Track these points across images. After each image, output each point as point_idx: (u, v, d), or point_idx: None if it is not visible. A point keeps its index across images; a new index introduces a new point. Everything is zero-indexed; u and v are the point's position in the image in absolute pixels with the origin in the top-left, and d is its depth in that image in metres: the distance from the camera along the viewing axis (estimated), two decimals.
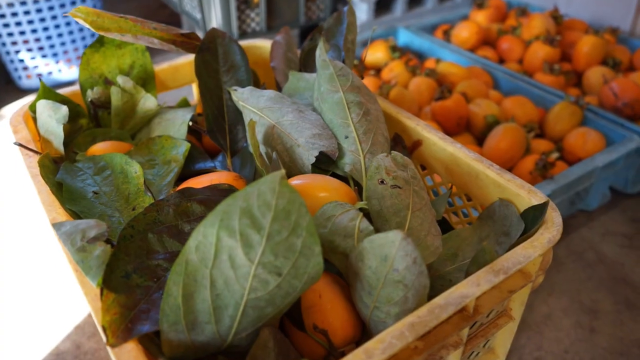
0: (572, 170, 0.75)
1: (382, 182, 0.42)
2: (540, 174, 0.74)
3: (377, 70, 1.07)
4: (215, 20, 1.04)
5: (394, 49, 1.06)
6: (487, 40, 1.16)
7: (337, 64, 0.53)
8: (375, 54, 1.08)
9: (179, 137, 0.57)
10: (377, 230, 0.42)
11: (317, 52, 0.54)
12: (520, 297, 0.44)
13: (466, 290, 0.35)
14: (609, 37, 1.08)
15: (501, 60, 1.13)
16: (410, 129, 0.54)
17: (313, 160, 0.47)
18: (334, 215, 0.40)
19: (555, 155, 0.82)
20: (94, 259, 0.36)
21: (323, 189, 0.43)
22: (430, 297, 0.36)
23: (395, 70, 0.99)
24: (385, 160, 0.44)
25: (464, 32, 1.11)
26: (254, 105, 0.53)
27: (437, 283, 0.46)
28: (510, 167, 0.78)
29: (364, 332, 0.40)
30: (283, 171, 0.33)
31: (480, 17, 1.20)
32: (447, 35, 1.17)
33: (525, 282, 0.40)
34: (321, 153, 0.48)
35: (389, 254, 0.34)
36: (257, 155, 0.45)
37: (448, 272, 0.46)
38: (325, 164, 0.49)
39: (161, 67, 0.65)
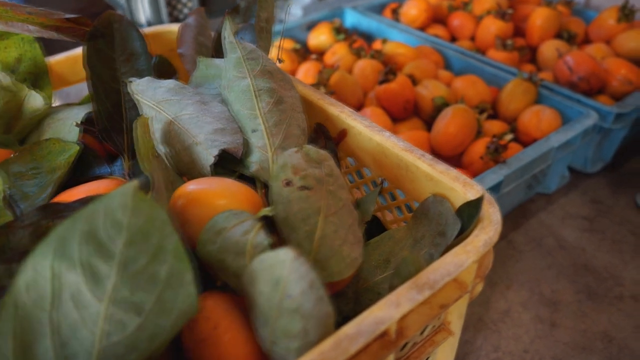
0: (526, 153, 0.69)
1: (288, 183, 0.35)
2: (492, 158, 0.68)
3: (322, 54, 1.00)
4: (142, 5, 0.95)
5: (338, 30, 0.99)
6: (438, 18, 1.10)
7: (246, 46, 0.46)
8: (319, 36, 1.00)
9: (71, 139, 0.49)
10: (285, 242, 0.35)
11: (223, 34, 0.46)
12: (457, 309, 0.38)
13: (383, 313, 0.29)
14: (563, 9, 1.03)
15: (453, 39, 1.07)
16: (334, 117, 0.47)
17: (212, 160, 0.40)
18: (226, 228, 0.33)
19: (509, 137, 0.76)
20: None
21: (221, 195, 0.36)
22: (359, 312, 0.30)
23: (338, 53, 0.92)
24: (294, 157, 0.37)
25: (412, 10, 1.05)
26: (150, 98, 0.45)
27: (365, 297, 0.40)
28: (460, 152, 0.72)
29: None
30: (136, 182, 0.26)
31: None
32: (395, 14, 1.11)
33: (460, 294, 0.34)
34: (224, 151, 0.40)
35: (280, 277, 0.27)
36: (143, 158, 0.38)
37: (377, 282, 0.40)
38: (232, 163, 0.42)
39: (57, 59, 0.57)
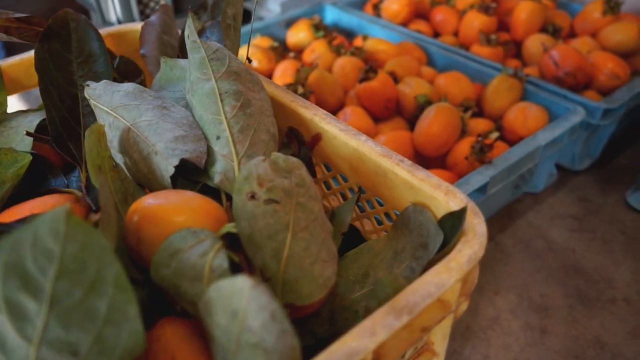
0: (513, 152, 0.66)
1: (252, 196, 0.32)
2: (477, 158, 0.65)
3: (301, 52, 0.97)
4: (112, 3, 0.91)
5: (317, 27, 0.96)
6: (420, 13, 1.07)
7: (211, 45, 0.42)
8: (298, 34, 0.97)
9: (23, 149, 0.45)
10: (250, 261, 0.32)
11: (186, 32, 0.43)
12: (441, 329, 0.35)
13: (356, 343, 0.26)
14: (548, 2, 1.01)
15: (436, 34, 1.04)
16: (307, 120, 0.43)
17: (172, 171, 0.37)
18: (182, 249, 0.29)
19: (494, 135, 0.73)
20: None
21: (179, 210, 0.33)
22: (335, 335, 0.27)
23: (317, 50, 0.88)
24: (260, 167, 0.33)
25: (393, 5, 1.02)
26: (107, 103, 0.42)
27: (342, 316, 0.36)
28: (444, 152, 0.69)
29: None
30: (68, 205, 0.22)
31: None
32: (377, 9, 1.07)
33: (444, 315, 0.31)
34: (185, 161, 0.37)
35: (239, 308, 0.24)
36: (93, 170, 0.35)
37: (356, 300, 0.37)
38: (196, 173, 0.39)
39: (10, 62, 0.53)
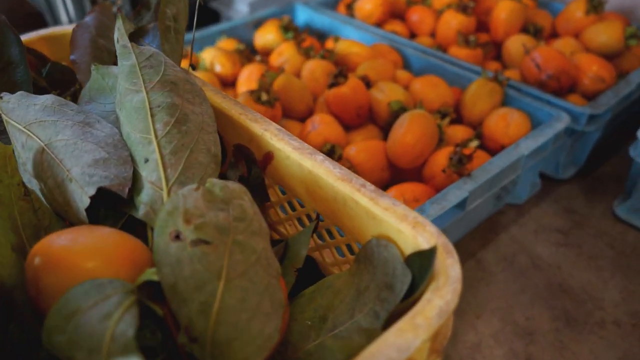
0: (494, 163, 0.61)
1: (177, 236, 0.26)
2: (456, 170, 0.60)
3: (269, 55, 0.91)
4: (64, 2, 0.84)
5: (286, 28, 0.90)
6: (396, 13, 1.01)
7: (144, 50, 0.37)
8: (266, 35, 0.91)
9: None
10: (175, 316, 0.26)
11: (115, 34, 0.37)
12: None
13: None
14: (528, 1, 0.96)
15: (412, 35, 0.99)
16: (258, 136, 0.38)
17: (87, 202, 0.31)
18: (80, 308, 0.23)
19: (474, 144, 0.68)
20: None
21: (89, 254, 0.27)
22: None
23: (285, 53, 0.82)
24: (189, 198, 0.28)
25: (367, 5, 0.96)
26: (20, 119, 0.35)
27: None
28: (420, 163, 0.64)
29: None
30: None
31: None
32: (350, 9, 1.02)
33: None
34: (105, 189, 0.31)
35: None
36: None
37: (309, 352, 0.31)
38: (121, 204, 0.33)
39: None
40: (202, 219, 0.27)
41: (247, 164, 0.38)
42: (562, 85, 0.74)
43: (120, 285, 0.25)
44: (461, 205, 0.58)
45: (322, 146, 0.67)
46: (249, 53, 0.87)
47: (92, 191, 0.31)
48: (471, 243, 0.69)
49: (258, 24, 0.98)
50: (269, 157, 0.37)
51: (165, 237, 0.26)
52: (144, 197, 0.31)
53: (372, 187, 0.32)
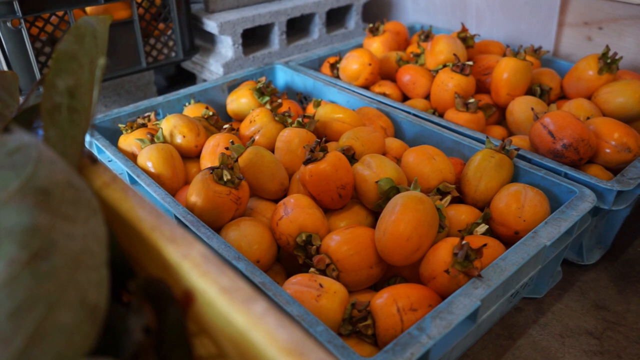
0: (509, 259, 0.49)
1: None
2: (462, 269, 0.48)
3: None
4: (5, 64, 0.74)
5: (261, 91, 0.79)
6: (386, 73, 0.92)
7: (10, 141, 0.25)
8: (240, 99, 0.80)
9: None
10: None
11: None
12: None
13: None
14: (531, 58, 0.87)
15: (405, 98, 0.89)
16: (174, 266, 0.25)
17: None
18: None
19: (482, 229, 0.56)
20: None
21: None
22: None
23: (259, 121, 0.71)
24: None
25: (353, 65, 0.86)
26: None
27: None
28: (417, 260, 0.52)
29: None
30: None
31: (376, 44, 0.96)
32: (334, 69, 0.92)
33: None
34: None
35: None
36: None
37: None
38: None
39: None
40: None
41: (156, 309, 0.25)
42: (582, 156, 0.63)
43: None
44: (472, 317, 0.46)
45: (296, 236, 0.55)
46: (218, 120, 0.76)
47: None
48: (482, 354, 0.56)
49: (233, 86, 0.88)
50: (187, 299, 0.25)
51: None
52: None
53: None
